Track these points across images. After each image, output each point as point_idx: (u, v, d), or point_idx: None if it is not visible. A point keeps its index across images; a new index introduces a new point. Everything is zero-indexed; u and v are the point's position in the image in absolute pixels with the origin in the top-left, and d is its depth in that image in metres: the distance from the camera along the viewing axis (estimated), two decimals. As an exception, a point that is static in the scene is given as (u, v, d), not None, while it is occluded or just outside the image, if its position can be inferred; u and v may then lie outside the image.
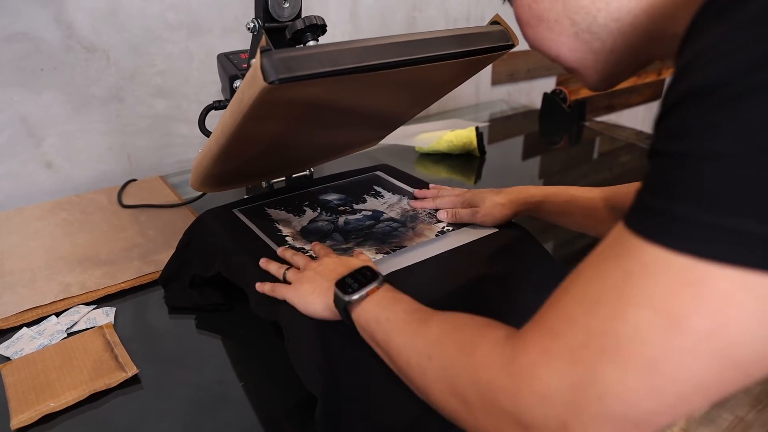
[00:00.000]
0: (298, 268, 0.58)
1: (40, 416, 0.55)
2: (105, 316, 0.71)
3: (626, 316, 0.28)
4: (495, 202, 0.69)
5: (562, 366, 0.30)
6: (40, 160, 1.08)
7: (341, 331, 0.51)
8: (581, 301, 0.31)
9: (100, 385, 0.59)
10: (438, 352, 0.39)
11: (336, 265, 0.55)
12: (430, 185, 0.80)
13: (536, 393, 0.31)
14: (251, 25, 0.71)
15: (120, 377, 0.60)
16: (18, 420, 0.54)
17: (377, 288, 0.48)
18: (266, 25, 0.70)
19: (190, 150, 1.26)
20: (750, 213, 0.25)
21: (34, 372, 0.61)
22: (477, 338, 0.37)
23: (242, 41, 1.23)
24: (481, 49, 0.60)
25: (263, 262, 0.60)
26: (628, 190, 0.64)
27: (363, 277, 0.49)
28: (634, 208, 0.30)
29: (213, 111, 0.81)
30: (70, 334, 0.68)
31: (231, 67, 0.80)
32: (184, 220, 0.95)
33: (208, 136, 0.78)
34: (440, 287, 0.58)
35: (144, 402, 0.58)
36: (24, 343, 0.66)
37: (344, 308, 0.48)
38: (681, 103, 0.27)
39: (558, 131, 1.57)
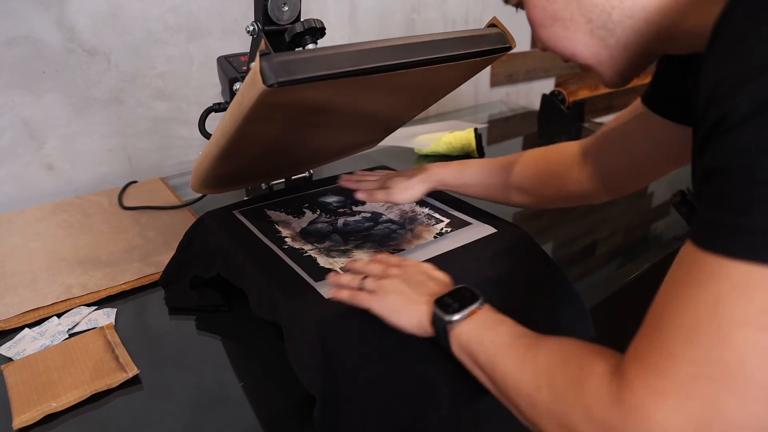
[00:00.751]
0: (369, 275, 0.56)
1: (41, 416, 0.56)
2: (106, 317, 0.72)
3: (730, 340, 0.28)
4: (405, 185, 0.73)
5: (677, 403, 0.29)
6: (42, 162, 1.09)
7: (341, 332, 0.52)
8: (677, 333, 0.30)
9: (101, 386, 0.59)
10: (547, 384, 0.38)
11: (423, 277, 0.53)
12: (356, 171, 0.83)
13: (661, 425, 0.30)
14: (251, 28, 0.71)
15: (121, 378, 0.60)
16: (20, 420, 0.55)
17: (479, 309, 0.47)
18: (266, 28, 0.71)
19: (191, 152, 1.26)
20: None
21: (35, 372, 0.61)
22: (586, 371, 0.36)
23: (242, 44, 1.23)
24: (479, 52, 0.61)
25: (333, 278, 0.56)
26: (519, 158, 0.73)
27: (462, 297, 0.48)
28: (705, 228, 0.30)
29: (213, 113, 0.82)
30: (71, 335, 0.68)
31: (231, 69, 0.81)
32: (184, 221, 0.95)
33: (208, 138, 0.78)
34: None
35: (144, 402, 0.59)
36: (26, 344, 0.67)
37: (443, 328, 0.47)
38: (740, 120, 0.28)
39: (557, 132, 1.58)
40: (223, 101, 0.82)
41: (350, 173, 0.84)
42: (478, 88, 1.87)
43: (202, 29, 1.20)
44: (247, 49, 0.82)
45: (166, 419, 0.57)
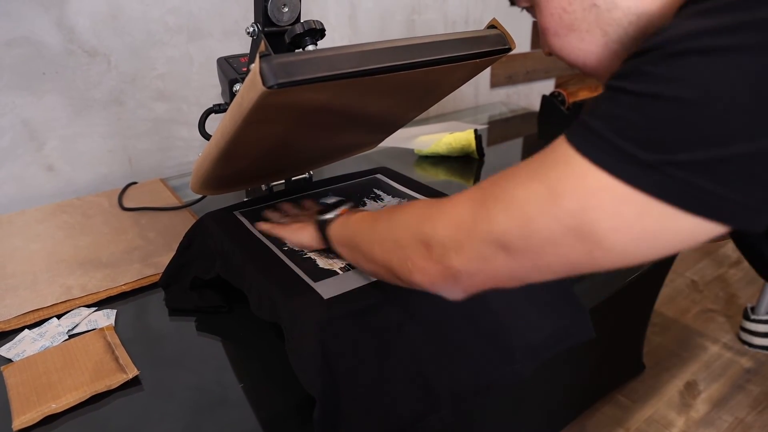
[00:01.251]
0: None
1: (41, 417, 0.56)
2: (106, 318, 0.72)
3: (525, 185, 0.37)
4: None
5: (473, 205, 0.40)
6: (42, 163, 1.09)
7: (340, 333, 0.52)
8: (508, 174, 0.40)
9: (101, 387, 0.59)
10: (386, 225, 0.50)
11: (318, 210, 0.66)
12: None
13: (450, 218, 0.42)
14: (251, 29, 0.71)
15: (121, 379, 0.60)
16: (20, 421, 0.55)
17: (347, 209, 0.60)
18: (265, 29, 0.71)
19: (191, 153, 1.26)
20: (637, 141, 0.32)
21: (35, 373, 0.61)
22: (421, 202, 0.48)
23: (242, 45, 1.23)
24: (479, 53, 0.61)
25: (267, 213, 0.73)
26: None
27: (335, 207, 0.62)
28: (575, 122, 0.38)
29: (213, 114, 0.82)
30: (71, 336, 0.68)
31: (231, 70, 0.81)
32: (184, 222, 0.95)
33: (207, 139, 0.78)
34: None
35: (144, 403, 0.59)
36: (25, 345, 0.67)
37: (324, 231, 0.60)
38: (628, 59, 0.35)
39: (557, 133, 1.56)
40: (223, 102, 0.82)
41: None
42: (478, 90, 1.87)
43: (203, 30, 1.20)
44: (247, 50, 0.82)
45: (166, 420, 0.57)
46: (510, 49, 0.64)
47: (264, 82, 0.46)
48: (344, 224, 0.57)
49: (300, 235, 0.64)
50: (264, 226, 0.68)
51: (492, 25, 0.65)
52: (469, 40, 0.60)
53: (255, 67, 0.47)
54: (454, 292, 0.44)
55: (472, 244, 0.40)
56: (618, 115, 0.33)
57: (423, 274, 0.44)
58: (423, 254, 0.43)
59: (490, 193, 0.39)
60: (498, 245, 0.38)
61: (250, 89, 0.49)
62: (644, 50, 0.33)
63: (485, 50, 0.62)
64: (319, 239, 0.62)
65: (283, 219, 0.71)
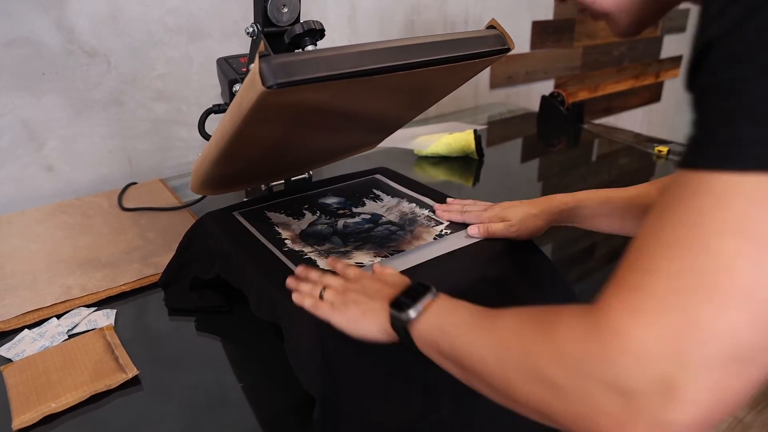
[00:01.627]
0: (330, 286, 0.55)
1: (41, 417, 0.56)
2: (105, 318, 0.72)
3: (710, 249, 0.27)
4: (528, 213, 0.67)
5: (654, 318, 0.28)
6: (42, 163, 1.09)
7: (340, 333, 0.52)
8: (658, 250, 0.30)
9: (100, 387, 0.59)
10: (516, 341, 0.36)
11: (379, 284, 0.52)
12: (448, 200, 0.76)
13: (631, 354, 0.29)
14: (250, 29, 0.71)
15: (120, 378, 0.60)
16: (20, 421, 0.55)
17: (432, 300, 0.46)
18: (265, 29, 0.71)
19: (190, 153, 1.26)
20: None
21: (35, 373, 0.61)
22: (554, 317, 0.34)
23: (242, 45, 1.24)
24: (478, 53, 0.61)
25: (292, 282, 0.56)
26: (661, 184, 0.62)
27: (415, 292, 0.47)
28: (689, 150, 0.30)
29: (213, 115, 0.82)
30: (70, 336, 0.69)
31: (230, 71, 0.81)
32: (184, 222, 0.95)
33: (207, 139, 0.78)
34: (438, 290, 0.58)
35: (144, 403, 0.59)
36: (25, 345, 0.67)
37: (403, 328, 0.46)
38: (720, 36, 0.28)
39: (556, 134, 1.58)
40: (222, 103, 0.83)
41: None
42: (478, 90, 1.88)
43: (202, 31, 1.20)
44: (247, 50, 0.83)
45: (166, 420, 0.57)
46: (509, 50, 0.64)
47: (263, 82, 0.47)
48: (439, 327, 0.43)
49: (363, 325, 0.49)
50: (304, 302, 0.53)
51: (491, 26, 0.65)
52: (468, 40, 0.60)
53: (254, 67, 0.47)
54: None
55: (694, 372, 0.27)
56: (759, 105, 0.27)
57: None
58: (617, 407, 0.29)
59: (663, 291, 0.29)
60: (730, 353, 0.27)
61: (250, 89, 0.49)
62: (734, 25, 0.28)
63: (484, 50, 0.62)
64: (390, 334, 0.48)
65: (323, 290, 0.54)
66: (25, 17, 0.99)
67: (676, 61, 2.81)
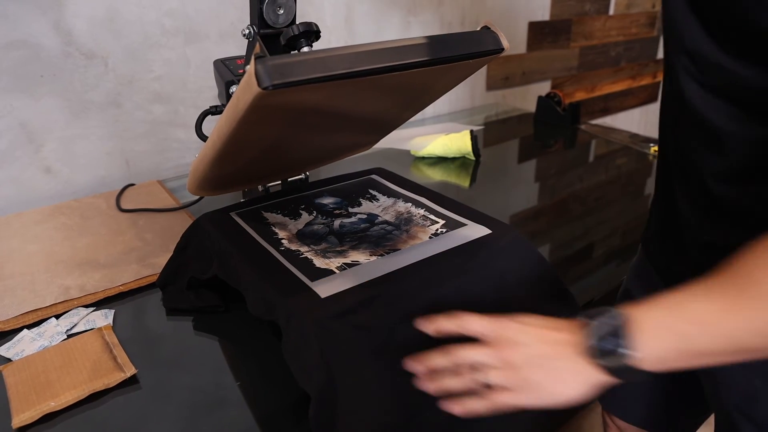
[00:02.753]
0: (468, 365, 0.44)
1: (40, 416, 0.56)
2: (104, 318, 0.72)
3: None
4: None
5: None
6: (40, 165, 1.09)
7: (336, 331, 0.52)
8: None
9: (99, 386, 0.60)
10: None
11: (540, 330, 0.43)
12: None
13: None
14: (246, 31, 0.72)
15: (118, 377, 0.61)
16: (19, 419, 0.55)
17: (626, 320, 0.38)
18: (261, 31, 0.71)
19: (188, 155, 1.27)
20: None
21: (34, 372, 0.62)
22: None
23: (239, 47, 1.24)
24: (472, 54, 0.62)
25: (431, 386, 0.46)
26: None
27: (604, 327, 0.39)
28: None
29: (210, 116, 0.83)
30: (69, 336, 0.69)
31: (227, 72, 0.81)
32: (181, 223, 0.96)
33: (204, 140, 0.79)
34: (433, 290, 0.59)
35: (142, 402, 0.59)
36: (24, 345, 0.67)
37: (624, 368, 0.38)
38: None
39: (553, 134, 1.59)
40: (219, 104, 0.83)
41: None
42: (474, 90, 1.88)
43: (199, 33, 1.20)
44: (243, 52, 0.83)
45: (164, 419, 0.57)
46: (503, 50, 0.65)
47: (259, 84, 0.47)
48: (678, 332, 0.37)
49: (561, 389, 0.40)
50: (478, 405, 0.43)
51: (486, 27, 0.66)
52: (463, 40, 0.61)
53: (250, 68, 0.48)
54: None
55: None
56: None
57: None
58: None
59: None
60: None
61: (246, 90, 0.49)
62: None
63: (479, 51, 0.62)
64: (605, 380, 0.39)
65: (470, 357, 0.44)
66: (23, 19, 1.00)
67: (672, 61, 2.81)
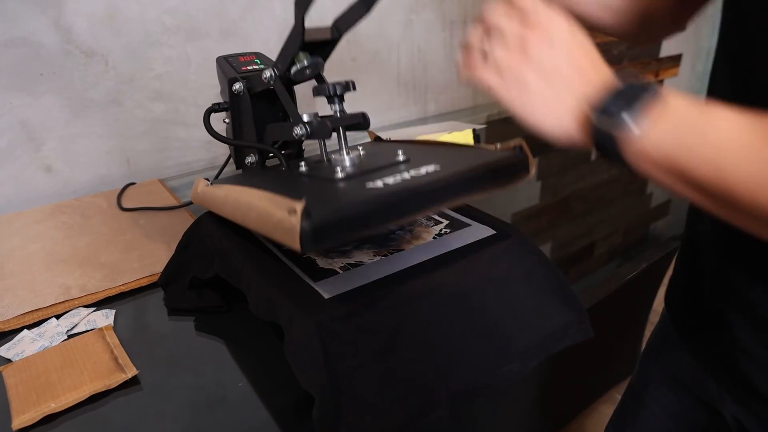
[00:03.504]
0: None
1: (41, 417, 0.56)
2: (105, 318, 0.72)
3: None
4: None
5: None
6: (40, 164, 1.09)
7: (340, 332, 0.52)
8: None
9: (100, 387, 0.59)
10: None
11: (569, 52, 0.36)
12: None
13: None
14: (267, 74, 0.72)
15: (120, 378, 0.60)
16: (19, 421, 0.55)
17: (657, 100, 0.33)
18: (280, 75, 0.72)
19: (188, 153, 1.26)
20: None
21: (34, 373, 0.61)
22: None
23: (239, 45, 1.23)
24: (500, 182, 0.61)
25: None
26: None
27: (630, 92, 0.33)
28: None
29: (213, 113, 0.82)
30: (70, 336, 0.69)
31: (230, 69, 0.81)
32: (182, 222, 0.95)
33: (214, 135, 0.79)
34: (438, 291, 0.59)
35: (143, 403, 0.59)
36: (25, 345, 0.67)
37: (613, 141, 0.35)
38: None
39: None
40: (222, 102, 0.82)
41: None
42: (477, 89, 1.88)
43: (200, 30, 1.20)
44: (244, 49, 0.83)
45: (165, 419, 0.57)
46: (528, 173, 0.62)
47: (302, 248, 0.47)
48: (679, 137, 0.32)
49: (545, 119, 0.37)
50: (467, 68, 0.38)
51: (519, 146, 0.63)
52: (492, 169, 0.60)
53: (294, 222, 0.46)
54: None
55: None
56: None
57: None
58: None
59: None
60: None
61: (284, 234, 0.49)
62: None
63: (506, 180, 0.61)
64: (583, 139, 0.36)
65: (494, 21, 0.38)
66: (23, 17, 0.99)
67: (675, 60, 2.81)
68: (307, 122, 0.67)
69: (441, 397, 0.52)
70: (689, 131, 0.32)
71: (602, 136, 0.35)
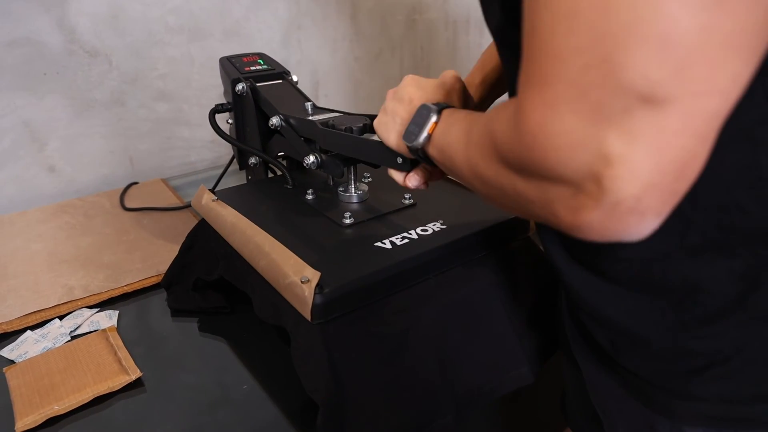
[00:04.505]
0: None
1: (44, 419, 0.56)
2: (108, 319, 0.72)
3: (613, 6, 0.24)
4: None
5: (571, 101, 0.27)
6: (43, 163, 1.09)
7: (346, 338, 0.52)
8: (553, 34, 0.27)
9: (103, 389, 0.59)
10: (478, 155, 0.38)
11: (406, 97, 0.53)
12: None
13: (558, 148, 0.28)
14: (274, 121, 0.72)
15: (123, 380, 0.60)
16: (23, 423, 0.55)
17: (436, 123, 0.46)
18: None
19: (192, 153, 1.26)
20: None
21: (38, 375, 0.61)
22: (494, 120, 0.35)
23: (243, 45, 1.23)
24: (501, 242, 0.65)
25: None
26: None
27: (420, 116, 0.47)
28: None
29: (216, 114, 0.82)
30: (73, 337, 0.68)
31: (233, 70, 0.80)
32: (186, 222, 0.95)
33: (220, 134, 0.78)
34: (444, 296, 0.58)
35: (147, 405, 0.59)
36: (28, 346, 0.66)
37: (418, 154, 0.48)
38: None
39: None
40: (225, 102, 0.82)
41: None
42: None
43: (203, 30, 1.19)
44: (247, 49, 0.82)
45: (169, 422, 0.56)
46: (528, 233, 0.67)
47: (313, 318, 0.50)
48: (440, 149, 0.45)
49: (386, 137, 0.53)
50: None
51: None
52: (495, 232, 0.64)
53: (307, 294, 0.50)
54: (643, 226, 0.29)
55: (625, 131, 0.26)
56: None
57: (584, 226, 0.29)
58: (568, 197, 0.29)
59: (575, 69, 0.26)
60: (661, 102, 0.25)
61: (295, 300, 0.52)
62: None
63: (507, 241, 0.66)
64: (408, 154, 0.51)
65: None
66: (27, 17, 0.99)
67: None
68: (318, 155, 0.67)
69: (447, 404, 0.52)
70: (444, 133, 0.45)
71: (410, 150, 0.49)
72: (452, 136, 0.44)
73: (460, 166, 0.42)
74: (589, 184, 0.27)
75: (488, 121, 0.37)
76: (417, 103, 0.50)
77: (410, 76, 0.56)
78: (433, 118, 0.47)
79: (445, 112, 0.47)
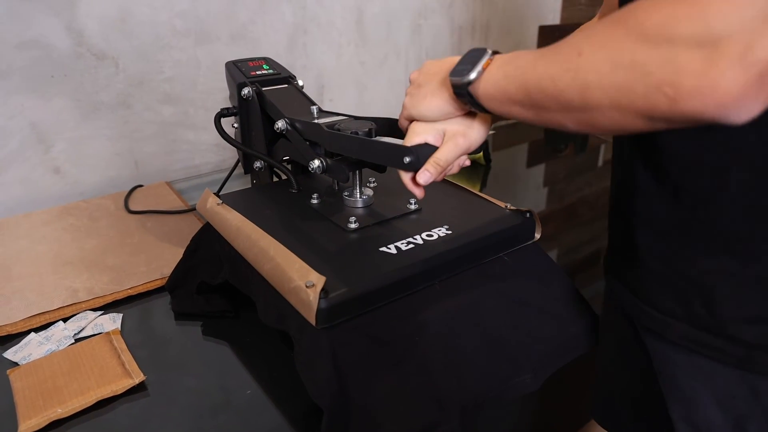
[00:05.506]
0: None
1: (47, 422, 0.55)
2: (112, 322, 0.72)
3: None
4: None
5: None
6: (49, 165, 1.09)
7: (350, 343, 0.51)
8: None
9: (106, 392, 0.59)
10: (588, 43, 0.36)
11: (436, 66, 0.54)
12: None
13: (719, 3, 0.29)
14: (280, 125, 0.72)
15: (127, 384, 0.60)
16: (26, 426, 0.55)
17: (490, 59, 0.47)
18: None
19: (197, 156, 1.26)
20: None
21: (41, 377, 0.61)
22: (625, 12, 0.34)
23: (249, 49, 1.23)
24: (508, 249, 0.66)
25: None
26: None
27: (472, 57, 0.48)
28: None
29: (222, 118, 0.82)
30: (77, 340, 0.68)
31: (239, 74, 0.81)
32: (190, 226, 0.95)
33: (226, 138, 0.78)
34: (449, 302, 0.58)
35: (150, 409, 0.59)
36: (32, 349, 0.66)
37: (466, 92, 0.48)
38: None
39: (563, 139, 1.57)
40: (231, 106, 0.82)
41: None
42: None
43: (210, 34, 1.20)
44: (253, 54, 0.82)
45: (172, 426, 0.56)
46: (533, 239, 0.68)
47: (317, 322, 0.50)
48: (504, 75, 0.45)
49: (428, 102, 0.53)
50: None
51: (529, 212, 0.67)
52: (502, 238, 0.64)
53: (312, 299, 0.50)
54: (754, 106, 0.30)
55: None
56: None
57: (704, 89, 0.30)
58: (701, 60, 0.29)
59: None
60: None
61: (300, 305, 0.51)
62: None
63: (514, 247, 0.66)
64: (457, 104, 0.51)
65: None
66: (35, 20, 1.00)
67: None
68: (324, 159, 0.68)
69: (451, 410, 0.52)
70: (507, 63, 0.45)
71: (456, 88, 0.49)
72: (521, 60, 0.43)
73: (529, 87, 0.41)
74: (736, 41, 0.28)
75: (607, 20, 0.36)
76: (447, 70, 0.50)
77: (430, 60, 0.57)
78: (488, 55, 0.47)
79: (500, 55, 0.48)
